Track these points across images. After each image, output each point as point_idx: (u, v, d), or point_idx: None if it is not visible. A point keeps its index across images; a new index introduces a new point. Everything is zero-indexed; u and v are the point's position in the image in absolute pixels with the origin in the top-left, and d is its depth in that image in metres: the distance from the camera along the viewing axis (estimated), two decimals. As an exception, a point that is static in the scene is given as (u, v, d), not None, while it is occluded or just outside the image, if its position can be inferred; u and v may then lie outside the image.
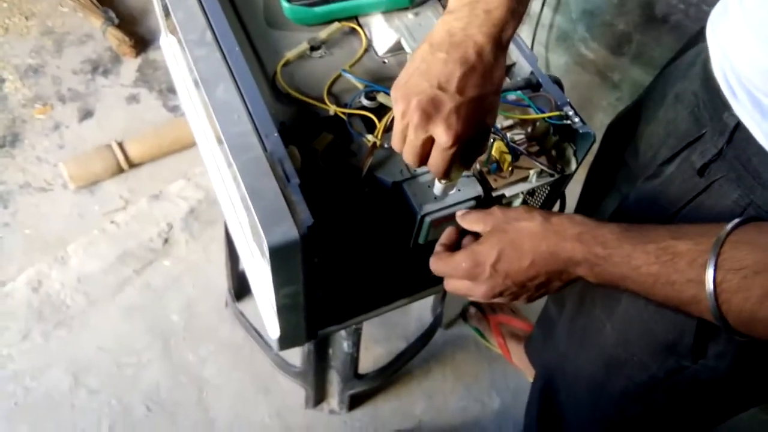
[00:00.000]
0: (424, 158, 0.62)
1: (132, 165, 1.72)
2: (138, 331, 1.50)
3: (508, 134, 0.76)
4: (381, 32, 0.84)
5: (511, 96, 0.78)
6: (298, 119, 0.77)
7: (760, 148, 0.59)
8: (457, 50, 0.58)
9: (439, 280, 0.94)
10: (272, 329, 0.86)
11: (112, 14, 1.91)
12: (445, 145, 0.58)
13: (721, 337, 0.69)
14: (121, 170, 1.72)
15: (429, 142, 0.60)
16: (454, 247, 0.70)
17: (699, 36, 0.78)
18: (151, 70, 1.92)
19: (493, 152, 0.76)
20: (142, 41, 1.95)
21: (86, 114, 1.83)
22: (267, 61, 0.81)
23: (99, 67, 1.91)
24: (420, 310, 1.54)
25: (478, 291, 0.65)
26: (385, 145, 0.76)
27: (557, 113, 0.77)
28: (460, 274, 0.66)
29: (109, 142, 1.71)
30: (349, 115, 0.77)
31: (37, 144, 1.77)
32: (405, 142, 0.61)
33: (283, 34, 0.84)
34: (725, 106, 0.63)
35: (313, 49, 0.82)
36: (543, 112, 0.77)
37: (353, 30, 0.85)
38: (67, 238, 1.61)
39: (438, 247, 0.71)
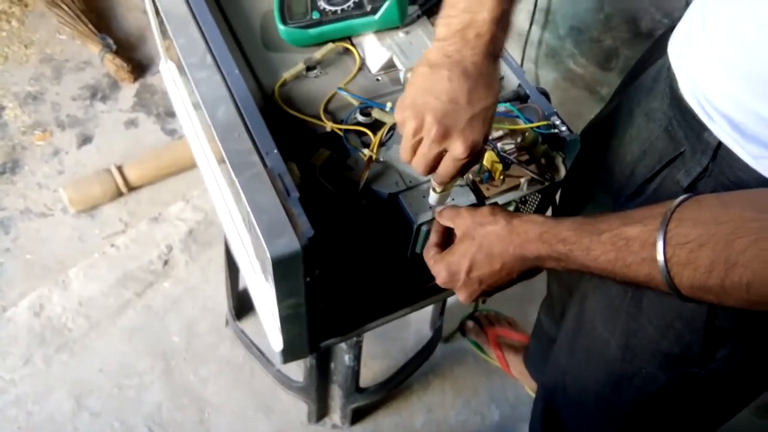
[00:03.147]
0: (435, 168, 0.66)
1: (131, 188, 1.75)
2: (139, 353, 1.51)
3: (499, 144, 0.79)
4: (374, 51, 0.87)
5: (501, 107, 0.81)
6: (297, 136, 0.80)
7: (745, 164, 0.62)
8: (457, 68, 0.61)
9: (439, 290, 0.96)
10: (275, 342, 0.88)
11: (110, 41, 1.94)
12: (460, 156, 0.62)
13: (729, 341, 0.71)
14: (120, 194, 1.74)
15: (442, 154, 0.64)
16: (445, 236, 0.73)
17: (655, 51, 0.81)
18: (148, 94, 1.95)
19: (484, 162, 0.78)
20: (139, 67, 1.98)
21: (85, 139, 1.85)
22: (265, 81, 0.84)
23: (97, 93, 1.94)
24: (418, 325, 1.55)
25: (460, 297, 0.69)
26: (381, 159, 0.79)
27: (545, 123, 0.80)
28: (440, 282, 0.69)
29: (108, 167, 1.73)
30: (345, 130, 0.80)
31: (37, 170, 1.79)
32: (414, 154, 0.65)
33: (279, 55, 0.87)
34: (702, 126, 0.66)
35: (308, 69, 0.85)
36: (531, 122, 0.80)
37: (347, 50, 0.88)
38: (67, 262, 1.63)
39: (432, 237, 0.73)
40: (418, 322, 1.54)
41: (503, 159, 0.78)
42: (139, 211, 1.73)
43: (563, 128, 0.80)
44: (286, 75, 0.83)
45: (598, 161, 0.86)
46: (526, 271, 0.65)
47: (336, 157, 0.79)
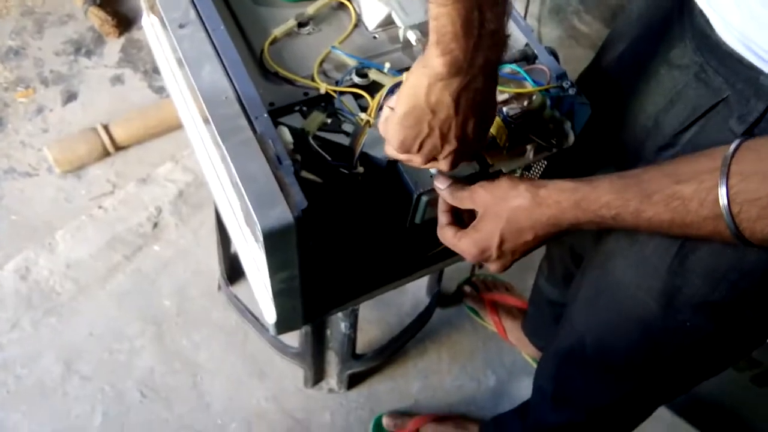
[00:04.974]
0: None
1: (118, 148, 1.69)
2: (130, 317, 1.48)
3: (504, 109, 0.74)
4: (371, 6, 0.81)
5: (506, 69, 0.76)
6: (288, 99, 0.75)
7: None
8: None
9: (437, 259, 0.93)
10: (268, 314, 0.84)
11: (93, -7, 1.86)
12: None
13: None
14: (107, 153, 1.68)
15: None
16: (454, 213, 0.71)
17: None
18: (135, 50, 1.87)
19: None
20: (125, 20, 1.90)
21: (70, 96, 1.78)
22: (253, 39, 0.78)
23: (81, 47, 1.86)
24: (414, 290, 1.53)
25: (492, 268, 0.68)
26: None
27: (554, 86, 0.75)
28: (469, 259, 0.68)
29: (94, 125, 1.67)
30: (341, 93, 0.75)
31: (20, 128, 1.73)
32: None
33: (269, 10, 0.81)
34: (756, 70, 0.60)
35: (300, 25, 0.79)
36: (539, 84, 0.75)
37: (341, 4, 0.82)
38: (54, 223, 1.58)
39: (442, 218, 0.71)
40: (415, 287, 1.51)
41: (508, 124, 0.74)
42: (127, 171, 1.68)
43: (573, 91, 0.75)
44: (277, 32, 0.77)
45: (603, 116, 0.81)
46: (558, 234, 0.63)
47: (331, 121, 0.75)
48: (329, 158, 0.72)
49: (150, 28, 1.00)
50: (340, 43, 0.78)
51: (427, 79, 0.55)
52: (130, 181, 1.65)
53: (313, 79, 0.75)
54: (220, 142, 0.67)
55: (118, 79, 1.83)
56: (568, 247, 1.15)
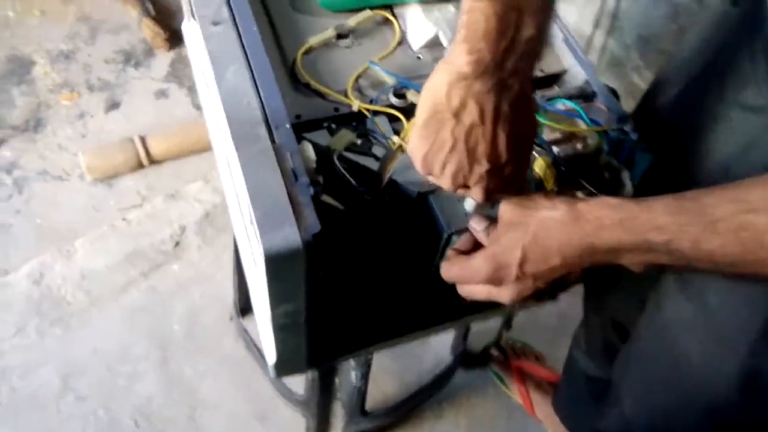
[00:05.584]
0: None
1: (153, 161, 1.66)
2: (137, 337, 1.41)
3: (555, 149, 0.66)
4: (417, 25, 0.74)
5: (560, 104, 0.68)
6: (317, 113, 0.68)
7: None
8: None
9: (465, 312, 0.83)
10: (269, 352, 0.76)
11: (150, 6, 1.87)
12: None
13: None
14: (141, 165, 1.65)
15: None
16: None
17: (719, 33, 0.69)
18: (182, 65, 1.86)
19: (536, 168, 0.65)
20: (176, 36, 1.89)
21: (113, 105, 1.77)
22: (288, 46, 0.72)
23: (131, 58, 1.87)
24: (437, 345, 1.41)
25: (503, 295, 0.57)
26: (413, 150, 0.67)
27: (614, 128, 0.66)
28: (480, 278, 0.57)
29: (132, 136, 1.64)
30: (374, 112, 0.67)
31: (59, 131, 1.71)
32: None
33: (308, 18, 0.75)
34: None
35: (339, 36, 0.73)
36: (597, 125, 0.66)
37: (386, 20, 0.76)
38: (78, 231, 1.54)
39: (451, 252, 0.62)
40: (438, 342, 1.40)
41: (558, 166, 0.65)
42: (158, 185, 1.64)
43: (634, 136, 0.67)
44: (313, 41, 0.71)
45: (660, 163, 0.72)
46: (590, 265, 0.53)
47: (360, 142, 0.67)
48: (354, 182, 0.64)
49: (189, 33, 0.96)
50: (381, 60, 0.71)
51: (448, 77, 0.49)
52: (159, 195, 1.61)
53: (346, 95, 0.68)
54: (234, 149, 0.60)
55: (162, 93, 1.81)
56: (609, 316, 1.04)
